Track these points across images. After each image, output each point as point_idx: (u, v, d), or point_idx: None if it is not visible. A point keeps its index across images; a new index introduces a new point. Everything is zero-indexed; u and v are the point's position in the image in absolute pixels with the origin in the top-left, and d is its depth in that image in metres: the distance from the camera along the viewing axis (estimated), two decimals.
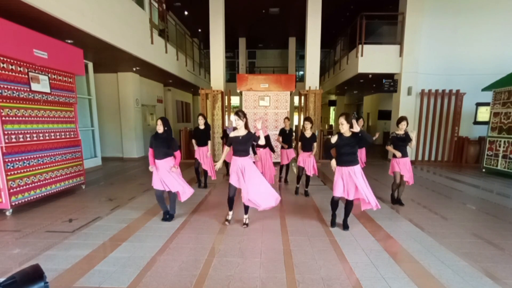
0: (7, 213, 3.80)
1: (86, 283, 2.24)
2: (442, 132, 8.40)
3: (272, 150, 4.98)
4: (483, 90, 7.28)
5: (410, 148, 4.13)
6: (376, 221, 3.68)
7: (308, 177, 4.84)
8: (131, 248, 2.86)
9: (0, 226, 3.47)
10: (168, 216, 3.65)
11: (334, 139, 3.21)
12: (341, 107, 16.89)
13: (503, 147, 6.69)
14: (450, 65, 8.25)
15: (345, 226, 3.38)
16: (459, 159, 8.35)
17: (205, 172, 5.31)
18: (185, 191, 3.61)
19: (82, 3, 4.75)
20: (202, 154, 5.18)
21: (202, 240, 3.08)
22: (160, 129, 3.45)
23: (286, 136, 5.46)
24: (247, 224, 3.47)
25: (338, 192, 3.24)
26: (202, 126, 5.14)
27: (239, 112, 3.26)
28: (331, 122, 19.16)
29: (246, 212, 3.50)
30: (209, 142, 5.28)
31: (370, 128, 14.41)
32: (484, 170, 7.20)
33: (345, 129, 3.12)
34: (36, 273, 0.92)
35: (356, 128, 3.01)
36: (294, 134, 5.60)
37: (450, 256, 2.73)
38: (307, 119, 4.68)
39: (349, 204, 3.32)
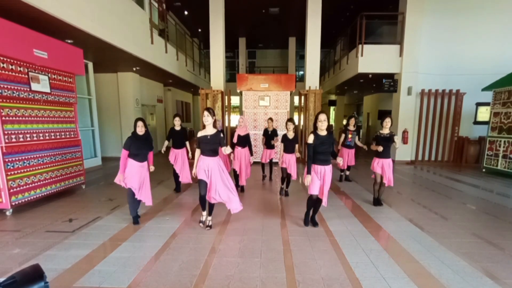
0: (7, 213, 3.80)
1: (86, 283, 2.24)
2: (442, 132, 8.40)
3: (251, 152, 4.91)
4: (483, 90, 7.28)
5: (395, 148, 4.13)
6: (376, 221, 3.68)
7: (289, 178, 4.80)
8: (131, 248, 2.86)
9: (0, 226, 3.47)
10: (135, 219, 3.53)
11: (310, 139, 3.17)
12: (341, 107, 16.89)
13: (503, 147, 6.69)
14: (450, 65, 8.25)
15: (315, 223, 3.48)
16: (459, 159, 8.35)
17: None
18: (149, 198, 3.50)
19: (82, 3, 4.74)
20: (178, 156, 4.87)
21: (202, 240, 3.07)
22: (142, 130, 3.31)
23: (268, 136, 5.56)
24: (210, 226, 3.33)
25: (315, 190, 3.22)
26: (178, 127, 4.87)
27: (211, 110, 3.12)
28: (331, 122, 19.15)
29: (210, 213, 3.36)
30: (187, 144, 5.01)
31: (370, 128, 14.41)
32: (484, 170, 7.19)
33: (324, 127, 3.13)
34: (36, 273, 0.92)
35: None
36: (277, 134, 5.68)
37: (450, 256, 2.73)
38: (289, 120, 4.68)
39: (319, 202, 3.34)
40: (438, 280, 2.32)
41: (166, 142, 5.01)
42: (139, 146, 3.32)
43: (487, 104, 7.87)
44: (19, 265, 2.53)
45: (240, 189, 4.99)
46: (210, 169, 3.15)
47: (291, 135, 4.63)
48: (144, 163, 3.42)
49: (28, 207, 4.07)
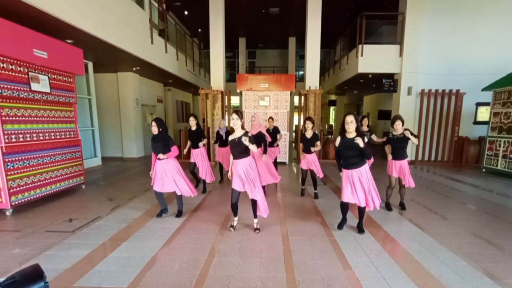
0: (7, 213, 3.80)
1: (86, 283, 2.24)
2: (442, 132, 8.40)
3: (265, 150, 4.87)
4: (483, 90, 7.27)
5: (414, 144, 3.93)
6: (376, 221, 3.68)
7: (315, 179, 4.73)
8: (131, 248, 2.86)
9: (0, 226, 3.47)
10: (178, 212, 3.82)
11: (337, 141, 3.13)
12: (341, 107, 16.89)
13: (503, 147, 6.69)
14: (450, 65, 8.25)
15: (360, 230, 3.28)
16: (459, 159, 8.35)
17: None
18: (186, 190, 3.67)
19: (82, 3, 4.75)
20: (197, 156, 4.91)
21: (202, 240, 3.08)
22: (155, 130, 3.46)
23: (270, 135, 5.51)
24: (258, 229, 3.30)
25: (346, 197, 3.11)
26: (193, 127, 4.83)
27: (239, 112, 3.15)
28: (331, 122, 19.16)
29: (255, 216, 3.32)
30: (204, 141, 4.97)
31: (370, 128, 14.40)
32: (484, 170, 7.19)
33: (352, 129, 2.99)
34: (36, 273, 0.92)
35: (361, 144, 2.85)
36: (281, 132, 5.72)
37: (450, 256, 2.73)
38: (308, 119, 4.55)
39: (362, 208, 3.20)
40: (438, 280, 2.32)
41: (189, 143, 4.99)
42: (155, 146, 3.51)
43: (487, 104, 7.87)
44: (19, 265, 2.53)
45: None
46: (243, 172, 3.13)
47: (309, 134, 4.47)
48: (165, 161, 3.55)
49: (28, 207, 4.07)
